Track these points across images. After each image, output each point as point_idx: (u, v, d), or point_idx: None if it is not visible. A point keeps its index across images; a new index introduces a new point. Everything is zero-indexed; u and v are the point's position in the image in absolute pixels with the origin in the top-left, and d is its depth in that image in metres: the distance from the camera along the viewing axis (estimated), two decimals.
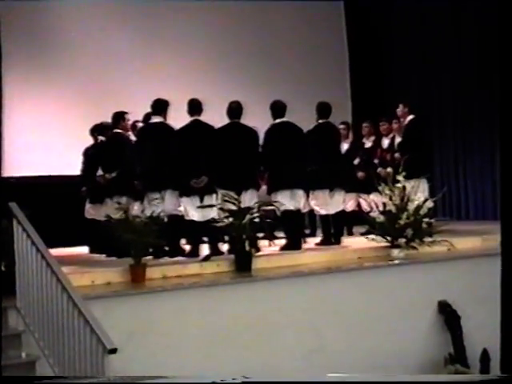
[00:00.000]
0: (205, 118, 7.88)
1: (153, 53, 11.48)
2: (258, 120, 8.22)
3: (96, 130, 9.02)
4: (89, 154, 9.12)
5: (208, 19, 11.96)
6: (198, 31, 11.91)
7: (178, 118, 8.01)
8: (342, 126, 10.03)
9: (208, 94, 8.47)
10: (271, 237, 7.96)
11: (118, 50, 11.30)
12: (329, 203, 8.58)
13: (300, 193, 8.15)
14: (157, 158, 7.71)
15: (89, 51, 11.09)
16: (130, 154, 8.05)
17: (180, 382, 4.23)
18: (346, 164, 9.45)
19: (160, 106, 7.96)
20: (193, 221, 7.72)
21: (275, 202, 7.93)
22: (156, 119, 7.96)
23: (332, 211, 8.60)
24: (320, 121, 8.65)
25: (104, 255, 8.24)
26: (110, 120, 8.55)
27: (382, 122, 10.05)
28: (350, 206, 9.91)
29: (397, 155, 9.24)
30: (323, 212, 8.64)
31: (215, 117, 7.94)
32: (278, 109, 8.21)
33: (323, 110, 8.67)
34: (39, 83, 10.79)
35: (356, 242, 8.56)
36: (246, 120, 7.96)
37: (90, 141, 9.21)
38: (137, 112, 8.65)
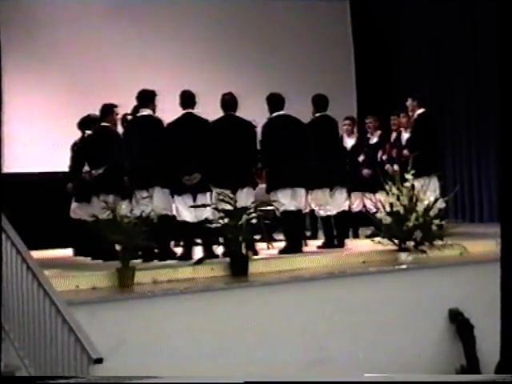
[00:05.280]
0: (199, 111, 7.88)
1: (147, 43, 11.52)
2: (259, 114, 8.24)
3: (83, 124, 9.05)
4: (75, 149, 9.15)
5: (205, 8, 11.97)
6: (193, 19, 11.96)
7: (170, 111, 8.00)
8: (347, 122, 10.05)
9: (203, 86, 8.48)
10: (269, 239, 7.98)
11: (112, 40, 11.37)
12: (329, 203, 8.61)
13: (302, 192, 8.17)
14: (143, 153, 7.71)
15: (82, 43, 11.16)
16: (118, 149, 8.06)
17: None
18: (349, 161, 9.47)
19: (146, 98, 7.95)
20: (185, 221, 7.73)
21: (274, 201, 7.95)
22: (144, 112, 7.95)
23: (333, 211, 8.63)
24: (317, 114, 8.66)
25: (89, 258, 8.26)
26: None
27: (393, 117, 10.04)
28: (357, 206, 9.93)
29: (405, 152, 9.26)
30: (322, 213, 8.68)
31: (210, 110, 7.94)
32: (275, 101, 8.21)
33: (320, 102, 8.68)
34: (22, 75, 10.82)
35: (361, 245, 8.59)
36: (246, 113, 7.99)
37: (78, 135, 9.20)
38: (132, 104, 8.63)
